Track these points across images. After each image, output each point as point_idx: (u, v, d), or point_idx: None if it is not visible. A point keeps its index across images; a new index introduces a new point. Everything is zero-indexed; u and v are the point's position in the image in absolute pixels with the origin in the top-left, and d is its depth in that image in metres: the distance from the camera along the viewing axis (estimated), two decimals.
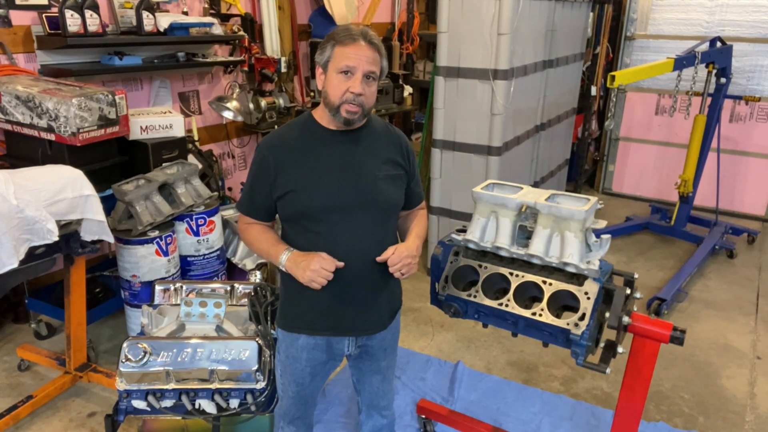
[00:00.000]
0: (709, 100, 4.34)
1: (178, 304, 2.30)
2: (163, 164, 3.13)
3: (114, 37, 3.33)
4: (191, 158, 3.48)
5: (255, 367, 2.00)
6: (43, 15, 3.08)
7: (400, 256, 1.66)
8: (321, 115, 1.70)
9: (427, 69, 6.07)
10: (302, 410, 1.96)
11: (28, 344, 3.08)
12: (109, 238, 2.52)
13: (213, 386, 2.01)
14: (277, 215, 1.78)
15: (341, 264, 1.63)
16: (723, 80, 4.23)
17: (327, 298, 1.72)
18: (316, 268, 1.60)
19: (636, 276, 1.87)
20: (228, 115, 4.02)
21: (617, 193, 6.06)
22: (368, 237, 1.70)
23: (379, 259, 1.68)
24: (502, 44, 3.38)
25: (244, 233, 1.80)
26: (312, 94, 4.76)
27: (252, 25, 4.22)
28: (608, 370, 1.80)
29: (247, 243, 1.81)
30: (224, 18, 4.08)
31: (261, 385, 2.03)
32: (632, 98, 5.76)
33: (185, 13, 3.81)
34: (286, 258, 1.67)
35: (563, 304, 1.82)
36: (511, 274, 1.87)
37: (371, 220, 1.70)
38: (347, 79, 1.59)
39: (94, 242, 2.52)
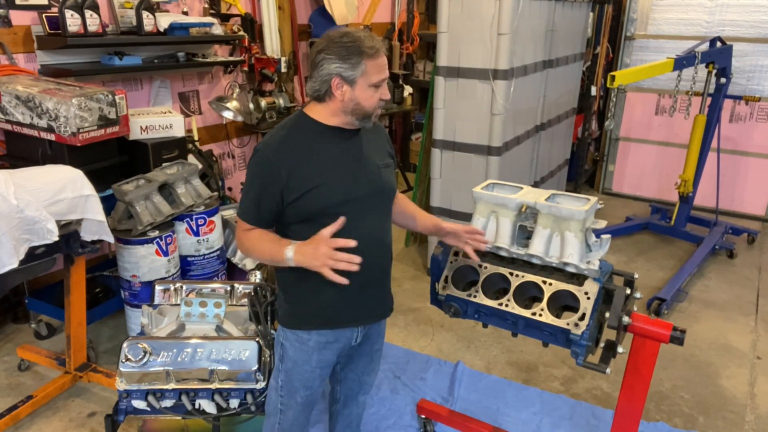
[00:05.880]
0: (709, 100, 4.34)
1: (178, 304, 2.30)
2: (163, 164, 3.13)
3: (114, 37, 3.33)
4: (191, 158, 3.48)
5: (255, 367, 2.00)
6: (43, 15, 3.08)
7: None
8: (324, 116, 1.69)
9: (427, 69, 6.07)
10: (308, 416, 1.93)
11: (28, 344, 3.08)
12: (109, 238, 2.52)
13: (213, 386, 2.01)
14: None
15: (353, 243, 1.55)
16: (723, 80, 4.22)
17: (352, 289, 1.66)
18: (324, 252, 1.53)
19: (636, 276, 1.87)
20: (228, 115, 4.02)
21: (617, 193, 6.05)
22: (380, 224, 1.79)
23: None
24: (502, 44, 3.38)
25: (244, 240, 1.72)
26: None
27: (252, 25, 4.22)
28: (608, 370, 1.80)
29: (245, 249, 1.73)
30: (224, 18, 4.08)
31: (261, 385, 2.04)
32: (632, 98, 5.76)
33: (185, 13, 3.81)
34: (292, 252, 1.60)
35: (563, 304, 1.83)
36: (511, 274, 1.87)
37: (380, 208, 1.80)
38: (377, 90, 1.65)
39: (94, 242, 2.52)
